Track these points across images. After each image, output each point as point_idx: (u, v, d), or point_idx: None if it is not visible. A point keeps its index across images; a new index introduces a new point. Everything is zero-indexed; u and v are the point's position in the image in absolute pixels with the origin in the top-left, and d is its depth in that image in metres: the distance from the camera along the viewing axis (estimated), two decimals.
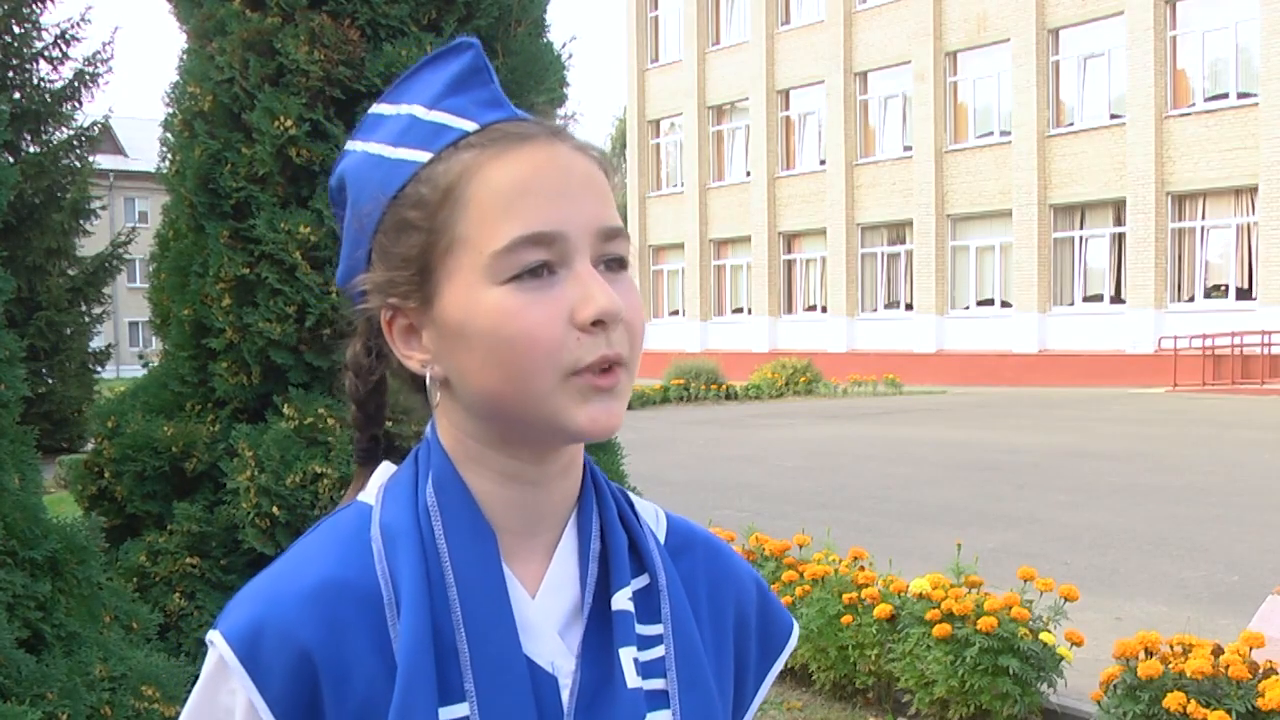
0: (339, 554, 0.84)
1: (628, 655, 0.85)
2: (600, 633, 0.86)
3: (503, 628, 0.82)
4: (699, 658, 0.89)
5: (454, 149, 0.84)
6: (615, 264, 0.84)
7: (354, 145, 0.90)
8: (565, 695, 0.83)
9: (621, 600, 0.87)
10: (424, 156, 0.85)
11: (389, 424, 0.99)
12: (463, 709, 0.80)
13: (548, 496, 0.88)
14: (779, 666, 1.00)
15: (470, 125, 0.85)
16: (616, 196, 0.87)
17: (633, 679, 0.84)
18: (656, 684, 0.86)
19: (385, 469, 0.92)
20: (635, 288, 0.85)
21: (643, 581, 0.89)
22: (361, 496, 0.90)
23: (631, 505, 0.94)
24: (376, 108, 0.90)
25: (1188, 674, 3.72)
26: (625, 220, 0.90)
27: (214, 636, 0.82)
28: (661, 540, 0.94)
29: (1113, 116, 24.48)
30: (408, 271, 0.84)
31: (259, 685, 0.80)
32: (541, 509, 0.88)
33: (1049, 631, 4.43)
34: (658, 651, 0.87)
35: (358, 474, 0.95)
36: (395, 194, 0.85)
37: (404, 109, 0.88)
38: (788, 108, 31.13)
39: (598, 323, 0.80)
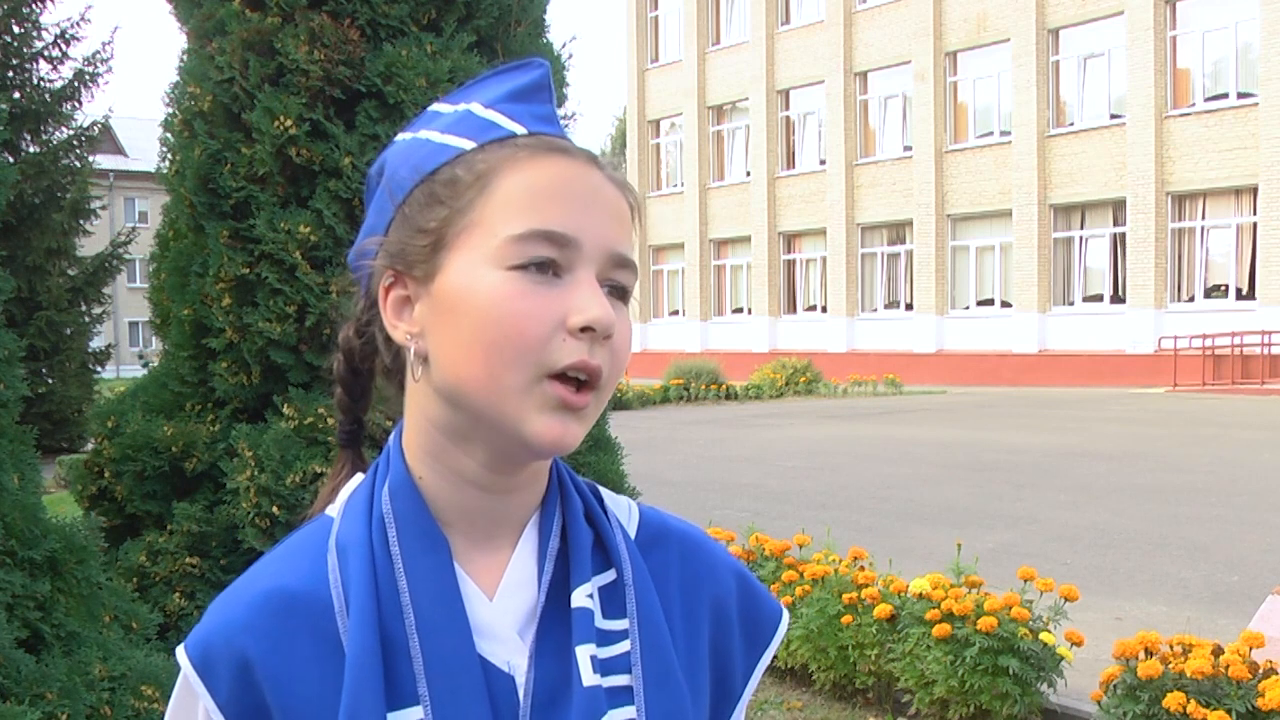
0: (294, 566, 0.87)
1: (584, 653, 0.85)
2: (556, 631, 0.86)
3: (455, 630, 0.83)
4: (666, 652, 0.88)
5: (498, 144, 0.87)
6: (618, 291, 0.85)
7: (404, 135, 0.93)
8: (522, 694, 0.84)
9: (580, 597, 0.87)
10: (469, 145, 0.87)
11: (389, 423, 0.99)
12: (416, 712, 0.81)
13: (505, 505, 0.88)
14: (769, 656, 0.99)
15: (519, 129, 0.88)
16: (636, 237, 0.89)
17: (589, 677, 0.84)
18: (621, 680, 0.86)
19: (355, 480, 0.93)
20: (629, 320, 0.87)
21: (608, 577, 0.89)
22: (329, 509, 0.92)
23: (601, 501, 0.95)
24: (435, 106, 0.93)
25: (1188, 674, 3.72)
26: None
27: (178, 650, 0.86)
28: (633, 535, 0.94)
29: (1113, 116, 24.48)
30: (422, 242, 0.86)
31: (211, 692, 0.83)
32: (500, 516, 0.88)
33: (1049, 631, 4.42)
34: (623, 646, 0.87)
35: (339, 458, 0.97)
36: (432, 171, 0.87)
37: (462, 106, 0.91)
38: (788, 108, 31.13)
39: (586, 330, 0.81)
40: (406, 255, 0.86)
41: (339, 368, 0.95)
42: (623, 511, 0.96)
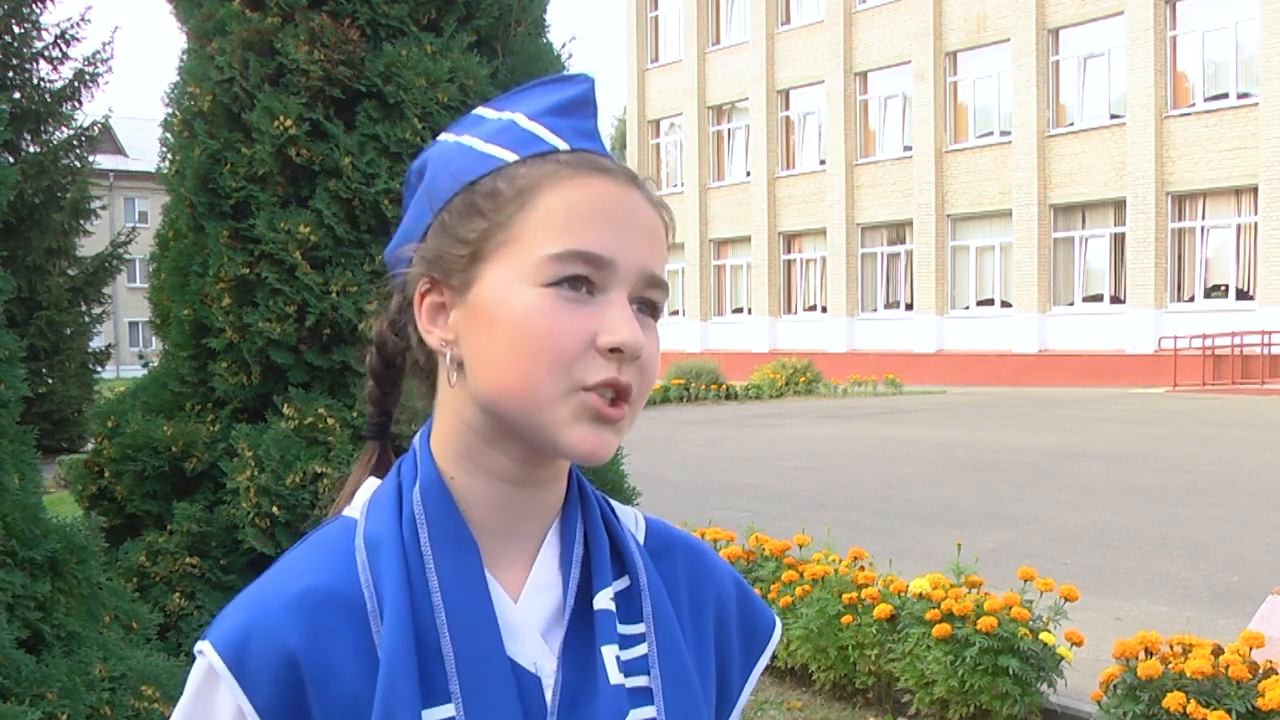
0: (324, 564, 0.87)
1: (609, 653, 0.87)
2: (582, 633, 0.88)
3: (486, 630, 0.84)
4: (682, 654, 0.91)
5: (540, 159, 0.88)
6: (648, 309, 0.87)
7: (447, 137, 0.94)
8: (549, 695, 0.85)
9: (603, 600, 0.89)
10: (511, 156, 0.88)
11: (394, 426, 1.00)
12: (448, 710, 0.82)
13: (532, 499, 0.90)
14: (763, 663, 1.03)
15: (562, 144, 0.89)
16: (669, 253, 0.91)
17: (615, 676, 0.86)
18: (639, 681, 0.88)
19: (370, 484, 0.94)
20: (658, 337, 0.88)
21: (624, 583, 0.92)
22: (347, 511, 0.93)
23: (613, 509, 0.97)
24: (480, 110, 0.94)
25: (1188, 674, 3.72)
26: None
27: (203, 646, 0.84)
28: (641, 543, 0.97)
29: (1113, 116, 24.48)
30: (460, 252, 0.87)
31: (247, 691, 0.82)
32: (526, 511, 0.90)
33: (1049, 631, 4.42)
34: (640, 650, 0.89)
35: (366, 449, 0.98)
36: (474, 180, 0.88)
37: (506, 115, 0.92)
38: (788, 108, 31.13)
39: (615, 351, 0.82)
40: (444, 264, 0.88)
41: (372, 360, 0.97)
42: (630, 520, 0.99)
